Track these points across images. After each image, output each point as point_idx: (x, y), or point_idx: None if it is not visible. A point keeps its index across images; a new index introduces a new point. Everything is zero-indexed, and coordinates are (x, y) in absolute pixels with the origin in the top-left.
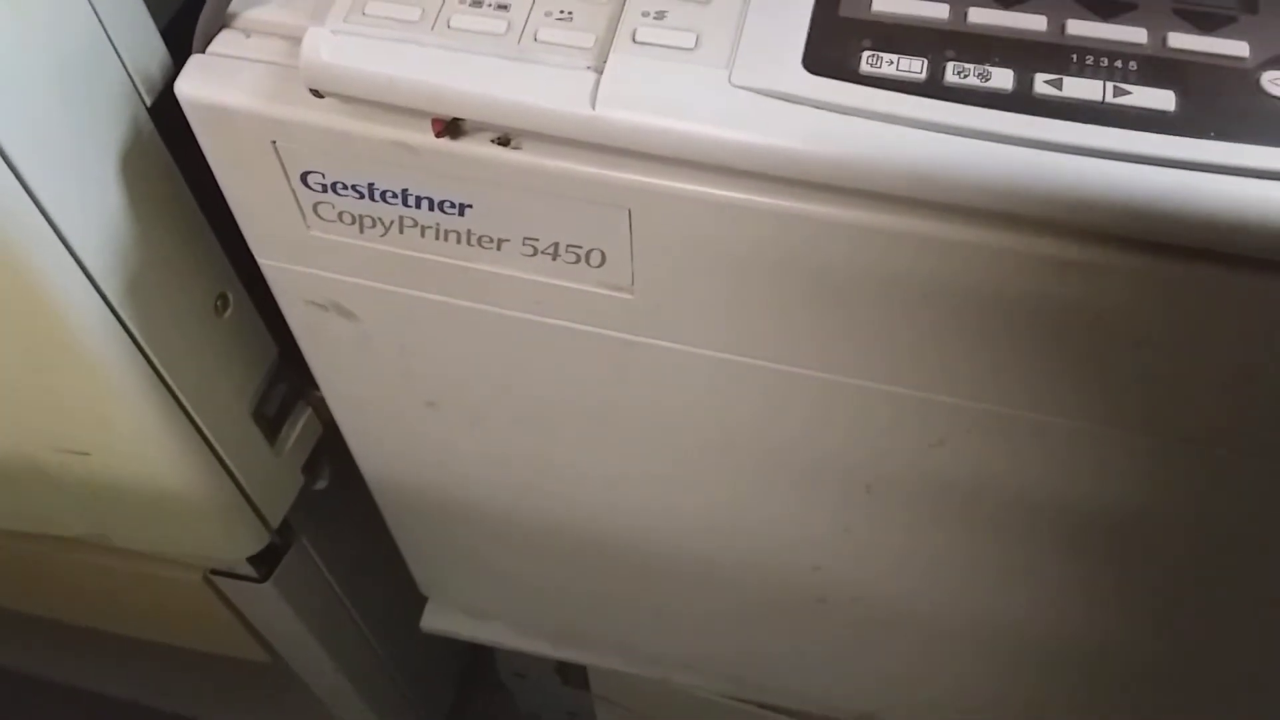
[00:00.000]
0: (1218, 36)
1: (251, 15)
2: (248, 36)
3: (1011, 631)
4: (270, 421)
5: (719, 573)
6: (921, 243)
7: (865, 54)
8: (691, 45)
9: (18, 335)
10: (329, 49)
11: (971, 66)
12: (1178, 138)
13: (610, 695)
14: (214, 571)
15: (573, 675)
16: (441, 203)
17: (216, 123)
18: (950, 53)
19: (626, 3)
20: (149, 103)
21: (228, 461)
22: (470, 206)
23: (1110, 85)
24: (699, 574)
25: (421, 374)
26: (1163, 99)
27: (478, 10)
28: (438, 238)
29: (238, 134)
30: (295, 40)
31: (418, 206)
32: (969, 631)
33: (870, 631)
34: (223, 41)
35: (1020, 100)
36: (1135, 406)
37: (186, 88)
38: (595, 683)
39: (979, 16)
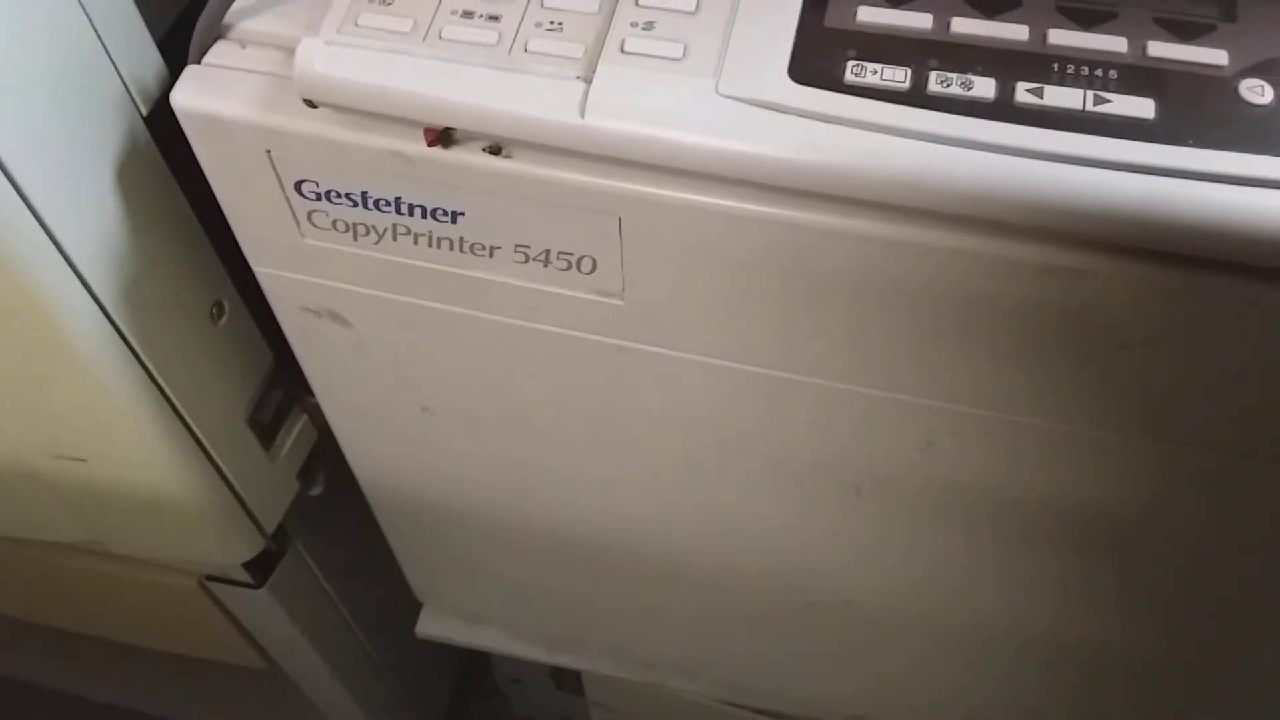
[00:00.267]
0: (1197, 45)
1: (246, 27)
2: (243, 48)
3: (1002, 634)
4: (266, 428)
5: (711, 576)
6: (905, 249)
7: (850, 64)
8: (679, 55)
9: (15, 342)
10: (322, 60)
11: (954, 76)
12: (1157, 145)
13: (605, 701)
14: (209, 577)
15: (567, 681)
16: (434, 210)
17: (212, 132)
18: (933, 62)
19: (615, 14)
20: (145, 113)
21: (223, 467)
22: (462, 214)
23: (1091, 94)
24: (691, 578)
25: (415, 380)
26: (1142, 107)
27: (469, 21)
28: (430, 245)
29: (233, 144)
30: (289, 51)
31: (410, 214)
32: (961, 634)
33: (862, 634)
34: (218, 52)
35: (1002, 109)
36: (1120, 409)
37: (182, 98)
38: (590, 688)
39: (962, 26)
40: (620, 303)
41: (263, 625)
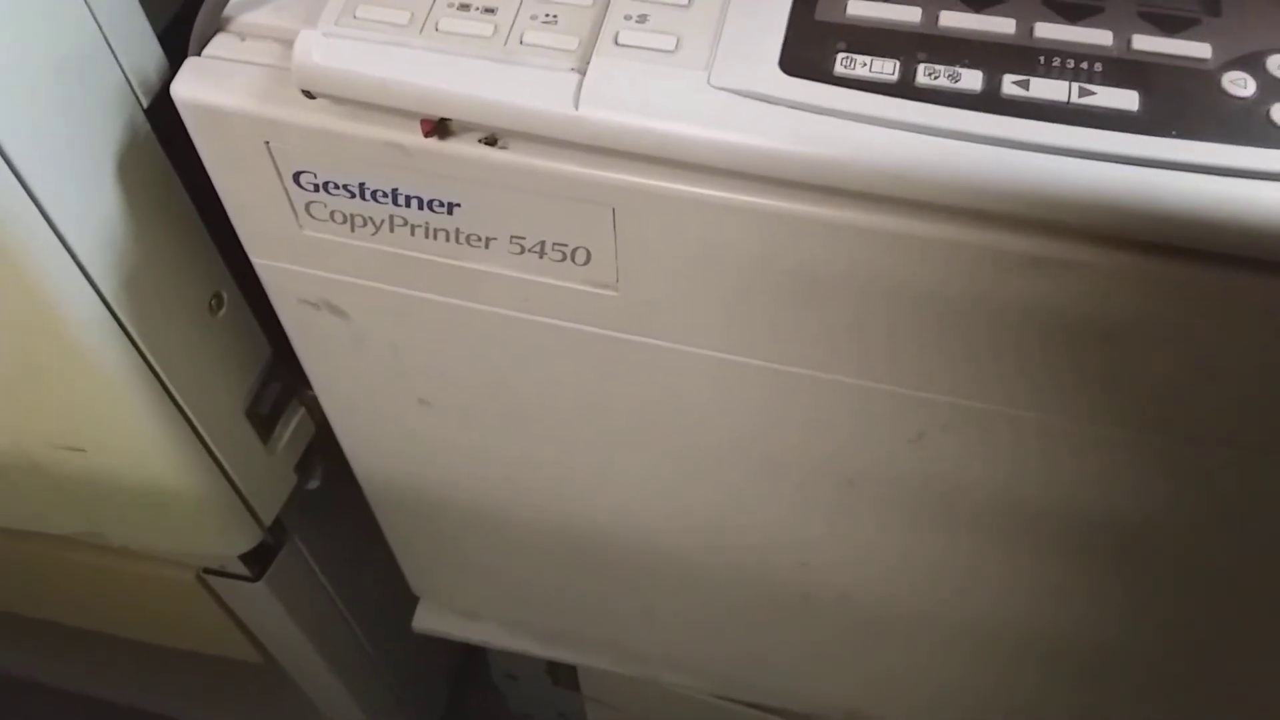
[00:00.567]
0: (1181, 38)
1: (246, 19)
2: (242, 40)
3: (998, 630)
4: (264, 420)
5: (705, 570)
6: (894, 239)
7: (840, 56)
8: (672, 48)
9: (15, 332)
10: (320, 51)
11: (942, 68)
12: (1141, 136)
13: (600, 696)
14: (206, 571)
15: (564, 677)
16: (430, 201)
17: (211, 124)
18: (922, 55)
19: (609, 6)
20: (145, 104)
21: (221, 459)
22: (459, 205)
23: (1076, 86)
24: (686, 571)
25: (412, 372)
26: (1126, 99)
27: (465, 14)
28: (427, 236)
29: (232, 135)
30: (288, 43)
31: (407, 205)
32: (956, 630)
33: (856, 629)
34: (218, 45)
35: (989, 100)
36: (1107, 400)
37: (182, 90)
38: (586, 684)
39: (950, 20)
40: (614, 294)
41: (260, 619)
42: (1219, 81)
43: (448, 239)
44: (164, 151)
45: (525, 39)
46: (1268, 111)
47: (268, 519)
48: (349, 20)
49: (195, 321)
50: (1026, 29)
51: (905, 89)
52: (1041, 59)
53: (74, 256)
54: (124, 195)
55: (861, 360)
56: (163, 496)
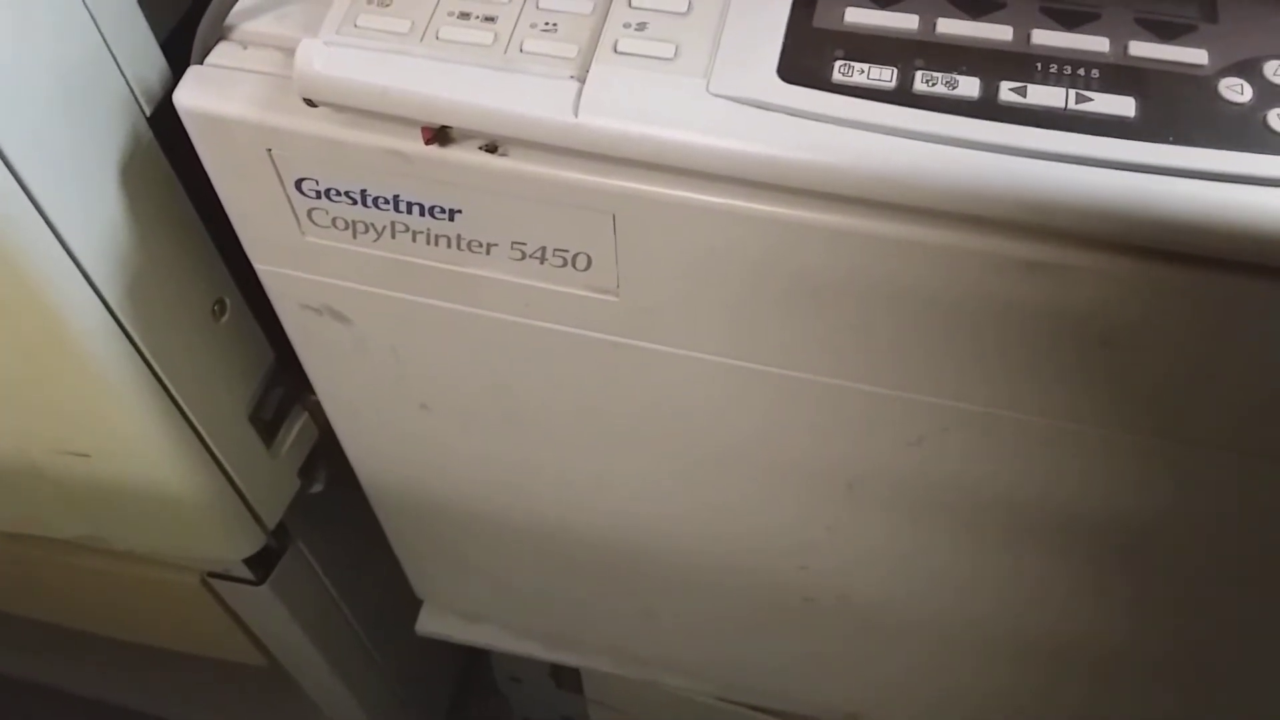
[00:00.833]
0: (1178, 45)
1: (248, 28)
2: (244, 48)
3: (996, 631)
4: (267, 425)
5: (706, 573)
6: (892, 245)
7: (837, 63)
8: (671, 55)
9: (19, 338)
10: (322, 60)
11: (939, 75)
12: (1138, 143)
13: (604, 699)
14: (211, 574)
15: (567, 679)
16: (431, 208)
17: (214, 132)
18: (919, 62)
19: (609, 14)
20: (148, 113)
21: (225, 464)
22: (459, 212)
23: (1073, 92)
24: (687, 574)
25: (414, 377)
26: (1123, 105)
27: (465, 22)
28: (428, 242)
29: (234, 143)
30: (290, 52)
31: (409, 212)
32: (955, 631)
33: (857, 630)
34: (220, 53)
35: (986, 107)
36: (1107, 404)
37: (185, 98)
38: (589, 687)
39: (947, 27)
40: (614, 299)
41: (263, 622)
42: (1216, 87)
43: (449, 245)
44: (167, 159)
45: (525, 47)
46: (1264, 117)
47: (271, 523)
48: (350, 29)
49: (198, 327)
50: (1023, 36)
51: (903, 96)
52: (1038, 66)
53: (78, 263)
54: (127, 202)
55: (861, 364)
56: (166, 501)
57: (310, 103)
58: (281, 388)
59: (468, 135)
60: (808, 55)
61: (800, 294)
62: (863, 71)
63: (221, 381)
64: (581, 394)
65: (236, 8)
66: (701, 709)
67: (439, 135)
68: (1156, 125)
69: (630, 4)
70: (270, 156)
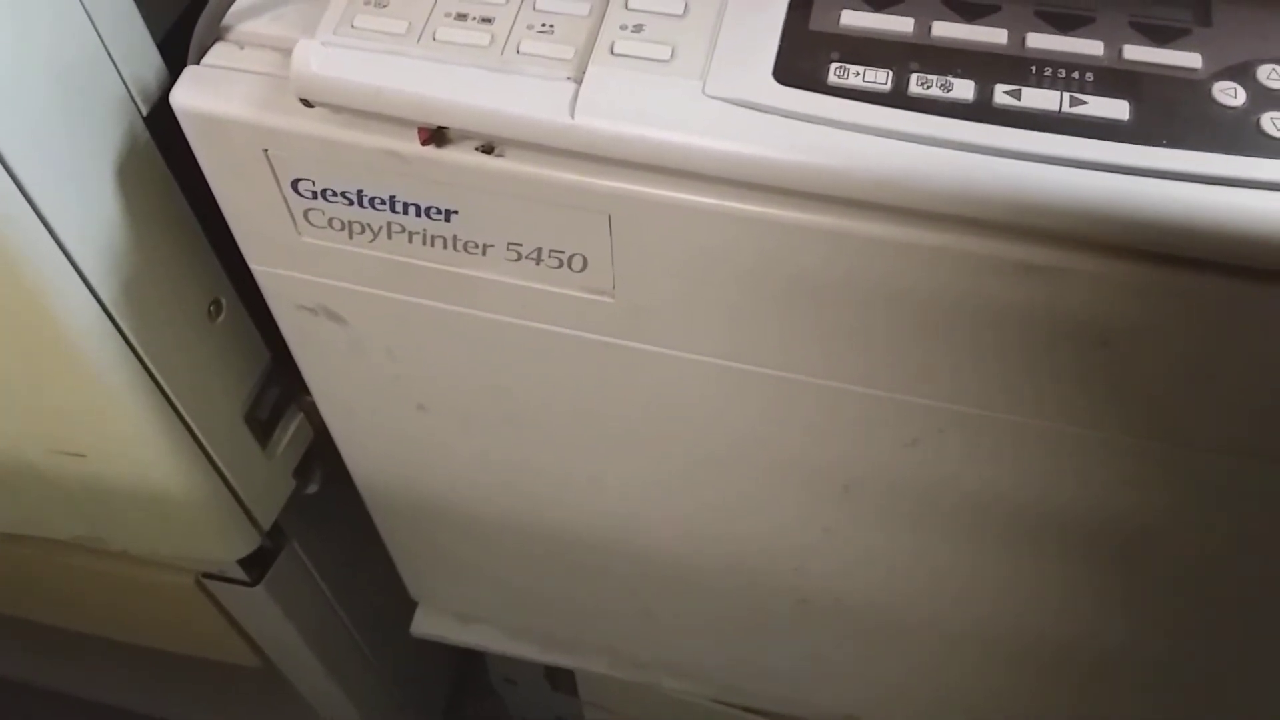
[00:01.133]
0: (1172, 49)
1: (245, 28)
2: (241, 49)
3: (993, 633)
4: (262, 425)
5: (702, 574)
6: (887, 246)
7: (833, 66)
8: (667, 57)
9: (15, 339)
10: (318, 60)
11: (934, 78)
12: (1132, 146)
13: (599, 701)
14: (205, 575)
15: (562, 681)
16: (428, 209)
17: (210, 132)
18: (914, 65)
19: (605, 16)
20: (145, 113)
21: (220, 464)
22: (456, 212)
23: (1067, 96)
24: (683, 575)
25: (410, 378)
26: (1117, 109)
27: (462, 23)
28: (424, 243)
29: (231, 143)
30: (287, 52)
31: (405, 212)
32: (952, 633)
33: (853, 633)
34: (217, 53)
35: (981, 110)
36: (1103, 406)
37: (181, 98)
38: (584, 689)
39: (942, 30)
40: (610, 300)
41: (258, 623)
42: (1210, 91)
43: (445, 246)
44: (163, 159)
45: (522, 48)
46: (1258, 121)
47: (266, 524)
48: (347, 29)
49: (194, 327)
50: (1018, 39)
51: (898, 98)
52: (1033, 69)
53: (74, 263)
54: (123, 202)
55: (857, 366)
56: (162, 501)
57: (307, 103)
58: (277, 388)
59: (464, 136)
60: (803, 57)
61: (796, 295)
62: (858, 74)
63: (217, 381)
64: (577, 395)
65: (233, 8)
66: (697, 711)
67: (435, 136)
68: (1150, 128)
69: (627, 6)
70: (267, 157)
